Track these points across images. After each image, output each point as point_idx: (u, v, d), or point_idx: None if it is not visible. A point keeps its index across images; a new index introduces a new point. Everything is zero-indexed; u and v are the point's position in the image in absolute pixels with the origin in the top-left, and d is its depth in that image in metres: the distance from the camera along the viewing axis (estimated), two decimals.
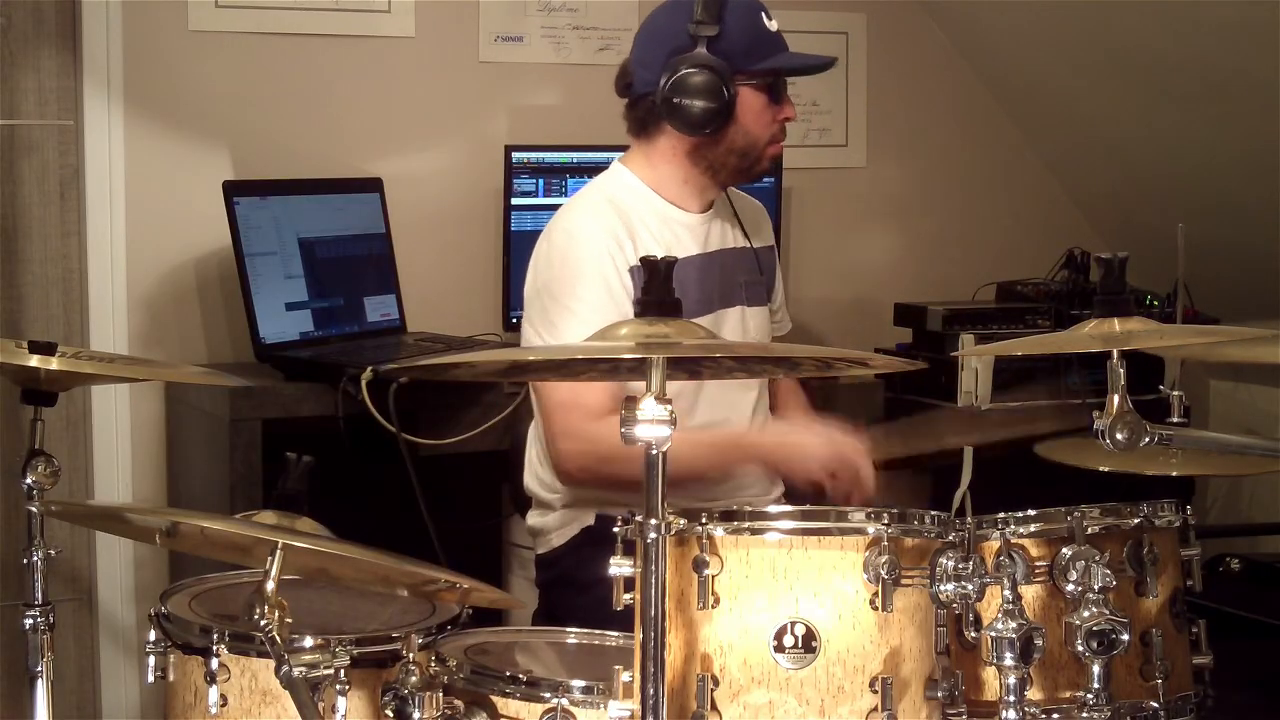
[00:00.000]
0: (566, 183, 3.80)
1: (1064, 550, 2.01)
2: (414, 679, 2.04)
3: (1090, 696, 1.96)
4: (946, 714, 1.95)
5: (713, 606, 1.91)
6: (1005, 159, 4.49)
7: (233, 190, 3.45)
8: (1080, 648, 1.93)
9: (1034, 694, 2.02)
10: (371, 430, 3.23)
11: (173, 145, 3.63)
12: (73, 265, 3.54)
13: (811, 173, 4.22)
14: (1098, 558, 1.98)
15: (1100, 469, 2.62)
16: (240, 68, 3.68)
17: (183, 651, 2.23)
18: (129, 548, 3.62)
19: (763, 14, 2.76)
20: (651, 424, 1.79)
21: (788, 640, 1.89)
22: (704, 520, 1.92)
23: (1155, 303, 3.99)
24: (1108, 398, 1.89)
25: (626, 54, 2.85)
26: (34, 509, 2.34)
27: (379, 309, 3.69)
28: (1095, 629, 1.93)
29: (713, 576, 1.91)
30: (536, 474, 2.89)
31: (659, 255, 1.93)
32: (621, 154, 2.88)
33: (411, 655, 2.05)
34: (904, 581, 1.92)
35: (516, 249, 3.65)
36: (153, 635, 2.24)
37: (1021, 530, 2.05)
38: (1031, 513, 2.06)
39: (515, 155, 3.78)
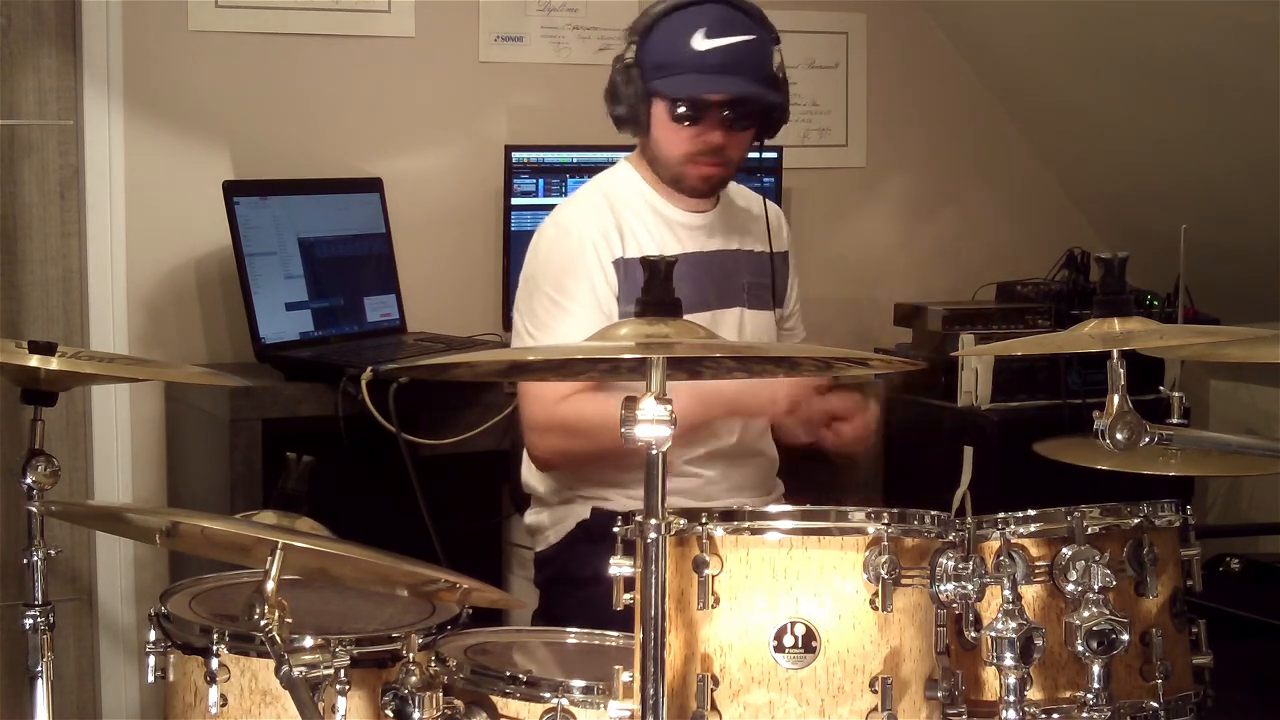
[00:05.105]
0: (566, 183, 3.80)
1: (1064, 550, 2.01)
2: (414, 679, 2.03)
3: (1090, 696, 1.96)
4: (946, 714, 1.95)
5: (713, 606, 1.91)
6: (1005, 159, 4.49)
7: (233, 190, 3.45)
8: (1080, 648, 1.93)
9: (1034, 694, 2.02)
10: (371, 430, 3.23)
11: (173, 145, 3.63)
12: (73, 265, 3.54)
13: (811, 173, 4.22)
14: (1098, 558, 1.98)
15: (1100, 469, 2.62)
16: (240, 68, 3.68)
17: (183, 651, 2.23)
18: (129, 548, 3.62)
19: (700, 31, 2.70)
20: (651, 424, 1.79)
21: (788, 640, 1.89)
22: (704, 520, 1.92)
23: (1155, 303, 3.99)
24: (1108, 398, 1.89)
25: None
26: (34, 509, 2.34)
27: (379, 309, 3.69)
28: (1095, 629, 1.92)
29: (713, 576, 1.91)
30: (532, 470, 2.89)
31: (652, 250, 1.93)
32: (628, 154, 2.90)
33: (411, 655, 2.05)
34: (904, 581, 1.92)
35: (516, 249, 3.64)
36: (153, 635, 2.24)
37: (1021, 530, 2.05)
38: (1031, 513, 2.06)
39: (515, 155, 3.79)
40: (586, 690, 2.03)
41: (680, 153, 2.76)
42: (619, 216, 2.77)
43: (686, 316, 1.93)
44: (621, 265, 2.72)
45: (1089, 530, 2.04)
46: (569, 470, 2.83)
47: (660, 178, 2.82)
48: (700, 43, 2.71)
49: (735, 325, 2.88)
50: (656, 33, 2.71)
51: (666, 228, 2.80)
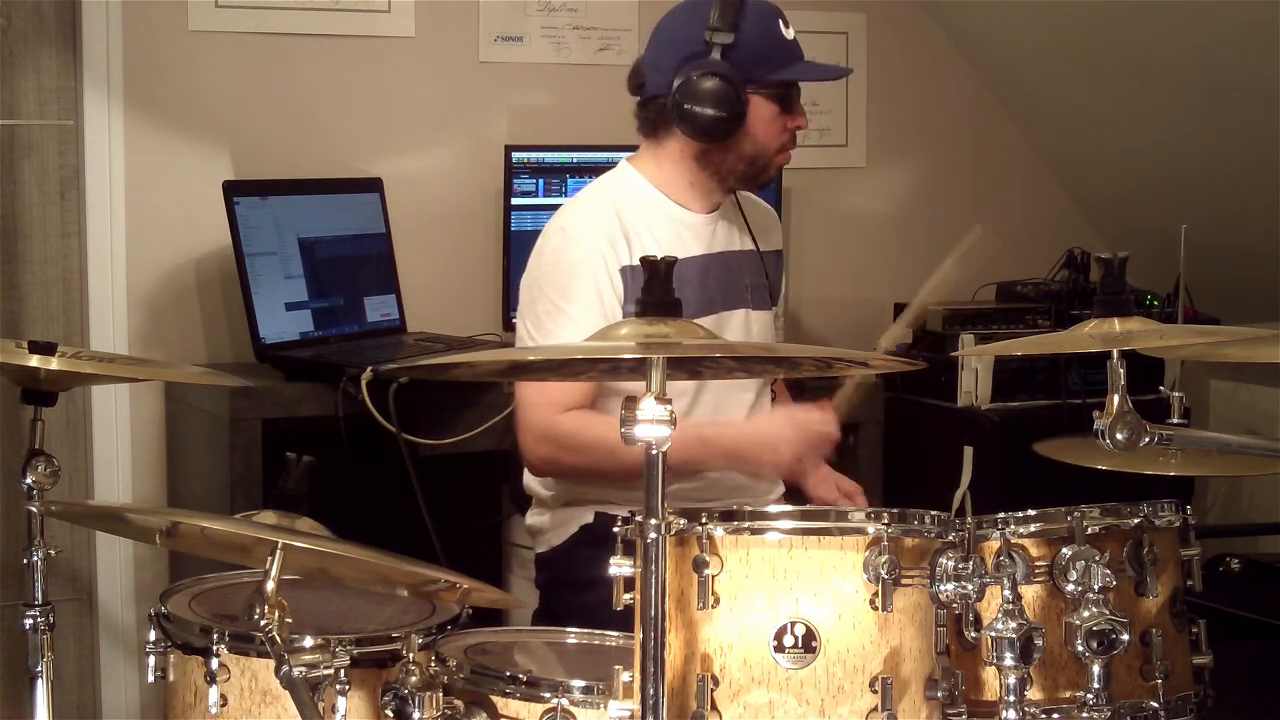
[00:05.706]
0: (566, 183, 3.80)
1: (1064, 550, 2.01)
2: (414, 679, 2.03)
3: (1090, 696, 1.96)
4: (946, 714, 1.95)
5: (713, 606, 1.91)
6: (1005, 159, 4.49)
7: (233, 190, 3.45)
8: (1080, 648, 1.93)
9: (1034, 694, 2.02)
10: (371, 430, 3.23)
11: (173, 145, 3.63)
12: (73, 265, 3.54)
13: (811, 173, 4.21)
14: (1098, 558, 1.98)
15: (1100, 469, 2.62)
16: (240, 68, 3.68)
17: (183, 651, 2.23)
18: (129, 548, 3.62)
19: (780, 21, 2.74)
20: (651, 424, 1.79)
21: (788, 640, 1.89)
22: (704, 520, 1.92)
23: (1155, 303, 3.99)
24: (1108, 398, 1.89)
25: (627, 54, 2.86)
26: (34, 509, 2.34)
27: (379, 309, 3.69)
28: (1095, 629, 1.92)
29: (713, 576, 1.91)
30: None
31: (659, 255, 1.92)
32: (629, 154, 2.87)
33: (411, 655, 2.05)
34: (904, 581, 1.92)
35: (516, 249, 3.65)
36: (153, 635, 2.24)
37: (1021, 530, 2.05)
38: (1031, 513, 2.06)
39: (515, 155, 3.79)
40: (586, 690, 2.03)
41: (777, 143, 2.78)
42: (625, 223, 2.74)
43: (697, 319, 1.93)
44: (629, 273, 2.70)
45: (1089, 530, 2.04)
46: (560, 480, 2.83)
47: (736, 175, 2.79)
48: (787, 32, 2.74)
49: (742, 326, 2.87)
50: (749, 30, 2.68)
51: (674, 232, 2.79)
